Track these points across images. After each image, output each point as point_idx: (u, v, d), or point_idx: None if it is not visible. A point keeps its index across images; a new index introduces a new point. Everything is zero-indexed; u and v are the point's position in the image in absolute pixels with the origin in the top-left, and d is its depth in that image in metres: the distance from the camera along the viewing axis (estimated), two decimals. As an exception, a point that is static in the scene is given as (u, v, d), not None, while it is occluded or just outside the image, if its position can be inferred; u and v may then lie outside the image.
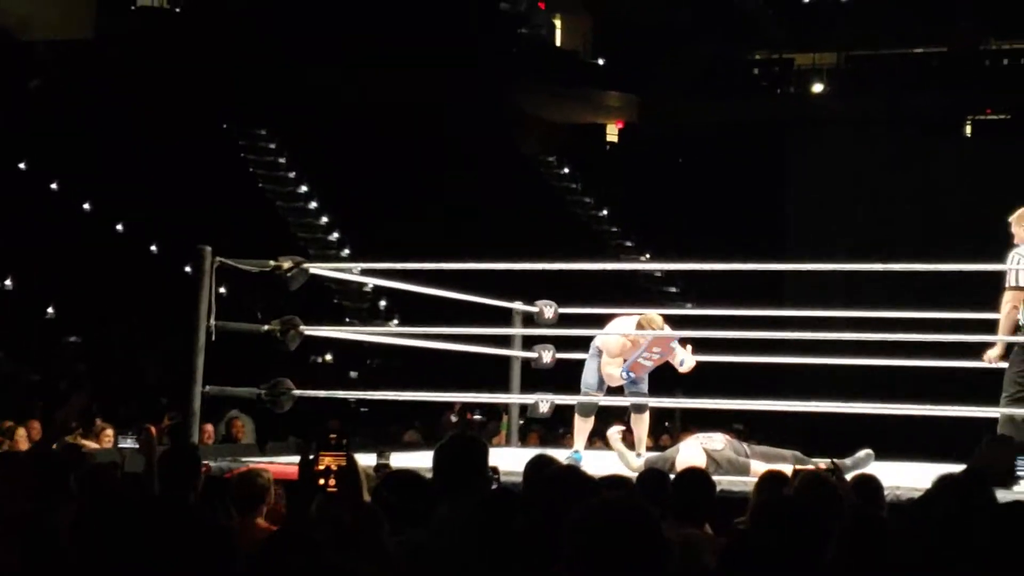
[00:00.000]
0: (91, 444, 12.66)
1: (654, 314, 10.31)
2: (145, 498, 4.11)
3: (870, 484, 6.24)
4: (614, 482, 5.93)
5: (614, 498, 3.59)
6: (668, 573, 3.43)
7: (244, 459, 9.07)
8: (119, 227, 26.03)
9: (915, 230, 22.49)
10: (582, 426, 10.63)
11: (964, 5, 31.33)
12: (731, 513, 6.36)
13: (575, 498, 4.24)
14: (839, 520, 4.35)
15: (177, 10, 31.11)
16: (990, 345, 9.41)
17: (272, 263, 9.98)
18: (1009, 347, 9.22)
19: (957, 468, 5.98)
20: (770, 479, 6.49)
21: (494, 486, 5.38)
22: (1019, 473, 6.97)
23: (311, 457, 4.64)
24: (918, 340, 9.58)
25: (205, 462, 7.76)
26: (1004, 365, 9.28)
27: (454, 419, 18.86)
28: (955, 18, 31.48)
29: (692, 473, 6.58)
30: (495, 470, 5.50)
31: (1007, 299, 9.13)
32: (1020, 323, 9.15)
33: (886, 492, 6.45)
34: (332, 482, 4.59)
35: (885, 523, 4.14)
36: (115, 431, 13.21)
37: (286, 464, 8.14)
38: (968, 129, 33.15)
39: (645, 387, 10.45)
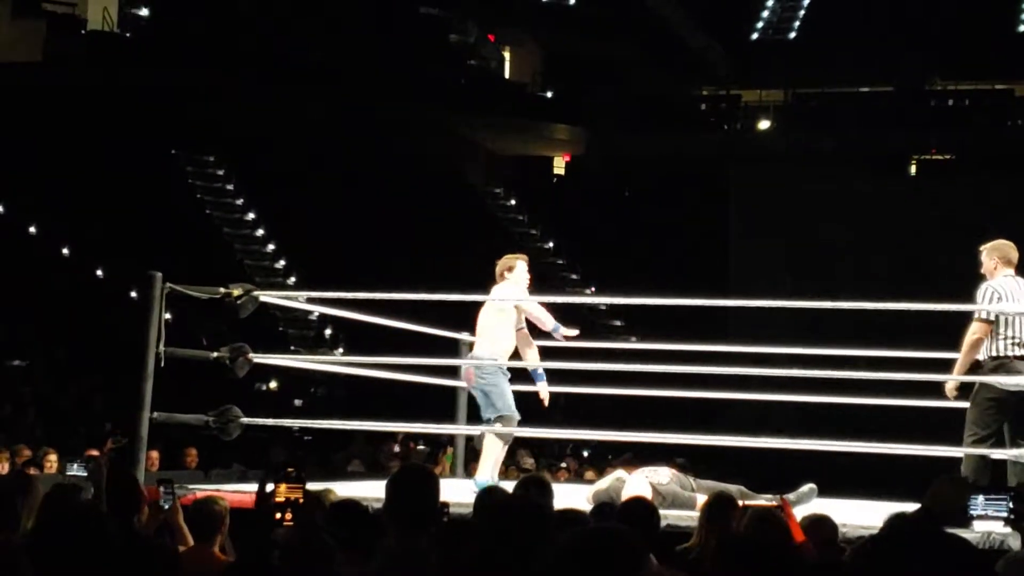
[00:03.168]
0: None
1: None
2: (99, 522, 4.11)
3: (825, 525, 6.27)
4: (569, 516, 5.92)
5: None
6: None
7: (191, 486, 9.04)
8: (65, 251, 25.90)
9: (858, 268, 22.64)
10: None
11: (911, 45, 31.61)
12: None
13: (529, 529, 4.26)
14: (789, 555, 4.38)
15: (127, 35, 30.99)
16: (938, 383, 9.50)
17: (223, 290, 9.96)
18: (970, 385, 9.29)
19: (906, 506, 6.04)
20: (717, 503, 6.53)
21: (444, 519, 5.38)
22: (972, 513, 7.01)
23: (268, 490, 4.65)
24: (861, 377, 9.65)
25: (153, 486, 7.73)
26: (963, 404, 9.36)
27: (397, 449, 18.85)
28: (902, 58, 31.76)
29: (637, 504, 6.57)
30: (445, 504, 5.50)
31: (973, 330, 9.18)
32: (980, 360, 9.22)
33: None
34: (288, 515, 4.60)
35: (844, 569, 4.17)
36: (59, 457, 13.14)
37: (232, 492, 8.15)
38: (913, 168, 33.41)
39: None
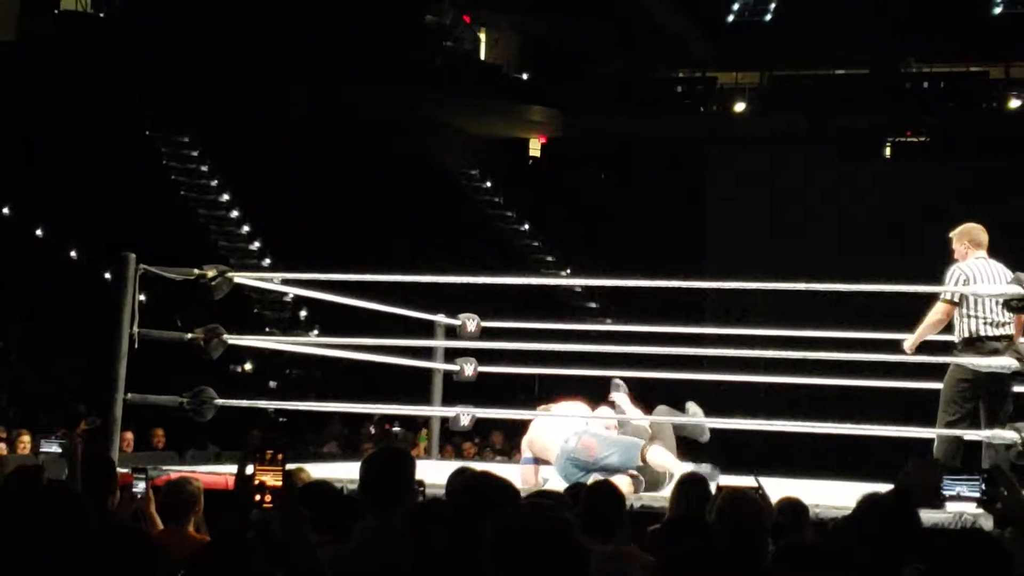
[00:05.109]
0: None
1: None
2: (69, 504, 4.09)
3: (794, 508, 6.31)
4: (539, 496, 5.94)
5: (529, 507, 3.60)
6: None
7: (165, 467, 9.02)
8: (38, 232, 25.81)
9: (834, 250, 22.69)
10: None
11: (886, 28, 31.63)
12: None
13: (496, 508, 4.26)
14: (764, 537, 4.40)
15: (101, 15, 30.87)
16: (915, 368, 9.55)
17: (197, 271, 9.93)
18: (945, 365, 9.34)
19: (879, 487, 6.06)
20: (689, 484, 6.55)
21: (420, 499, 5.39)
22: (944, 494, 7.05)
23: (248, 472, 4.65)
24: (834, 359, 9.67)
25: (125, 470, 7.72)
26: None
27: (372, 430, 18.84)
28: (877, 40, 31.77)
29: (602, 486, 6.58)
30: (421, 483, 5.51)
31: (937, 309, 9.25)
32: (955, 343, 9.28)
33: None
34: (268, 498, 4.60)
35: (817, 550, 4.20)
36: (32, 436, 13.10)
37: (208, 472, 8.15)
38: (888, 151, 33.46)
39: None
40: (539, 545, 3.34)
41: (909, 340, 9.48)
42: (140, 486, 6.91)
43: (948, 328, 9.38)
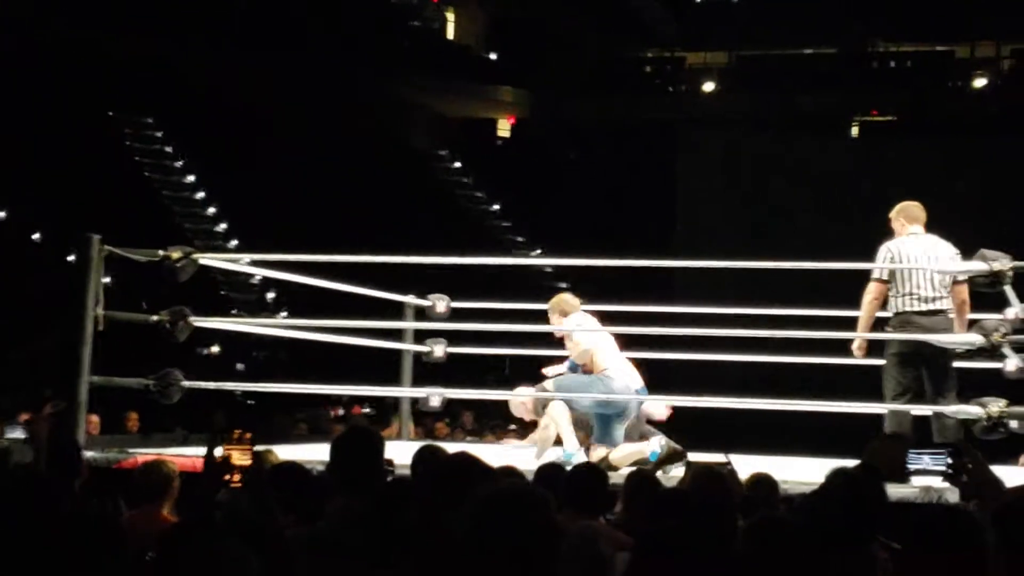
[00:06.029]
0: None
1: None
2: (34, 487, 4.07)
3: (765, 483, 6.33)
4: (507, 473, 5.95)
5: (507, 485, 3.59)
6: (560, 558, 3.44)
7: (131, 450, 8.97)
8: (1, 214, 25.66)
9: (802, 229, 22.73)
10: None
11: (853, 7, 31.69)
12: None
13: (467, 486, 4.25)
14: (733, 512, 4.41)
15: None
16: (882, 345, 9.59)
17: (161, 253, 9.86)
18: (881, 343, 9.43)
19: (847, 463, 6.08)
20: (637, 481, 6.54)
21: (389, 478, 5.38)
22: (909, 468, 7.09)
23: (216, 451, 4.64)
24: (804, 337, 9.71)
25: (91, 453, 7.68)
26: (875, 362, 9.49)
27: (340, 412, 18.80)
28: (844, 20, 31.83)
29: (586, 466, 6.63)
30: (390, 462, 5.50)
31: (869, 290, 9.35)
32: (889, 319, 9.36)
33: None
34: (236, 477, 4.60)
35: (788, 525, 4.21)
36: (-3, 420, 13.04)
37: (175, 455, 8.11)
38: (855, 130, 33.55)
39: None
40: (515, 521, 3.34)
41: (857, 342, 9.55)
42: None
43: (886, 305, 9.45)
